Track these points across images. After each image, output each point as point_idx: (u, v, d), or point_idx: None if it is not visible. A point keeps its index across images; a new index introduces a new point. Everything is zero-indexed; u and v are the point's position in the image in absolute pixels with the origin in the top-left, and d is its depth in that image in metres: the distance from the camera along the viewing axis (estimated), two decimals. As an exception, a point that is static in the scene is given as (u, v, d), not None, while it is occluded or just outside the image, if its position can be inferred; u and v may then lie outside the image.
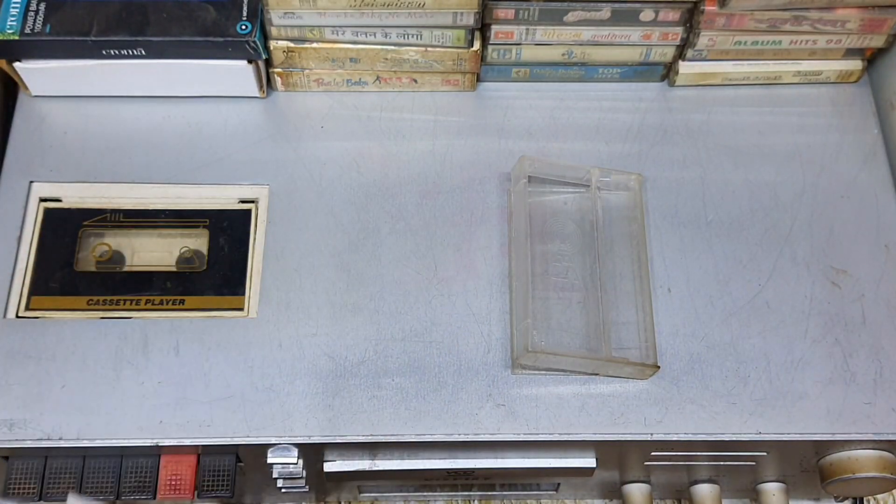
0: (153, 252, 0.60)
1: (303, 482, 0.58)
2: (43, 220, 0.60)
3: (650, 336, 0.56)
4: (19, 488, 0.53)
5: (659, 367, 0.55)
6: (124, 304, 0.57)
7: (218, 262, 0.59)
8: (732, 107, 0.65)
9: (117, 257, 0.59)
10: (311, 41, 0.61)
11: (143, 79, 0.62)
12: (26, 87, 0.63)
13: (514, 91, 0.65)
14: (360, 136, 0.63)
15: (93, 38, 0.59)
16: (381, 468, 0.57)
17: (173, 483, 0.54)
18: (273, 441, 0.54)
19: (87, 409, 0.54)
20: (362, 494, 0.66)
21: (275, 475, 0.56)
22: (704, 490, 0.63)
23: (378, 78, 0.64)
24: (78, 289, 0.58)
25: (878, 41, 0.63)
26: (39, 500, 0.54)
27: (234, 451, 0.54)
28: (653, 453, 0.57)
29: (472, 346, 0.56)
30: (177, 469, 0.54)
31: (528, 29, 0.61)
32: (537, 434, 0.54)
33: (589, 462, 0.57)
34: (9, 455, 0.54)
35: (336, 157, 0.62)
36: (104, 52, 0.60)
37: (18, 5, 0.59)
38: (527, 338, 0.54)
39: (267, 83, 0.64)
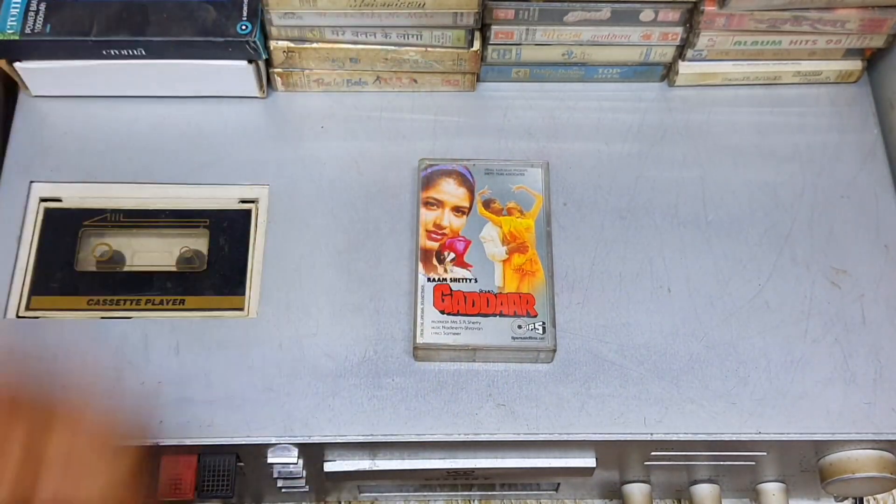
0: (153, 252, 0.60)
1: (303, 482, 0.58)
2: (43, 220, 0.60)
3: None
4: (19, 488, 0.53)
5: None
6: (124, 304, 0.57)
7: (218, 262, 0.59)
8: (732, 107, 0.65)
9: (117, 257, 0.59)
10: (311, 41, 0.61)
11: (144, 79, 0.62)
12: (26, 87, 0.63)
13: (514, 91, 0.65)
14: (360, 136, 0.63)
15: (93, 39, 0.59)
16: (381, 468, 0.57)
17: (173, 483, 0.54)
18: (273, 441, 0.54)
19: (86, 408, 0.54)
20: (362, 494, 0.66)
21: (275, 475, 0.56)
22: (704, 490, 0.63)
23: (378, 78, 0.64)
24: (78, 289, 0.58)
25: (877, 41, 0.63)
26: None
27: (234, 451, 0.54)
28: (653, 453, 0.57)
29: (472, 346, 0.56)
30: (177, 469, 0.54)
31: (528, 29, 0.61)
32: (537, 434, 0.54)
33: (589, 462, 0.57)
34: (9, 455, 0.54)
35: (336, 157, 0.62)
36: (104, 53, 0.60)
37: (19, 5, 0.59)
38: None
39: (267, 83, 0.64)
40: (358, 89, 0.65)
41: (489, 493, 0.68)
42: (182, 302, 0.57)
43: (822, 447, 0.56)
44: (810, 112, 0.65)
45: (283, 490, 0.60)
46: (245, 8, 0.59)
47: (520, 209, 0.59)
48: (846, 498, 0.63)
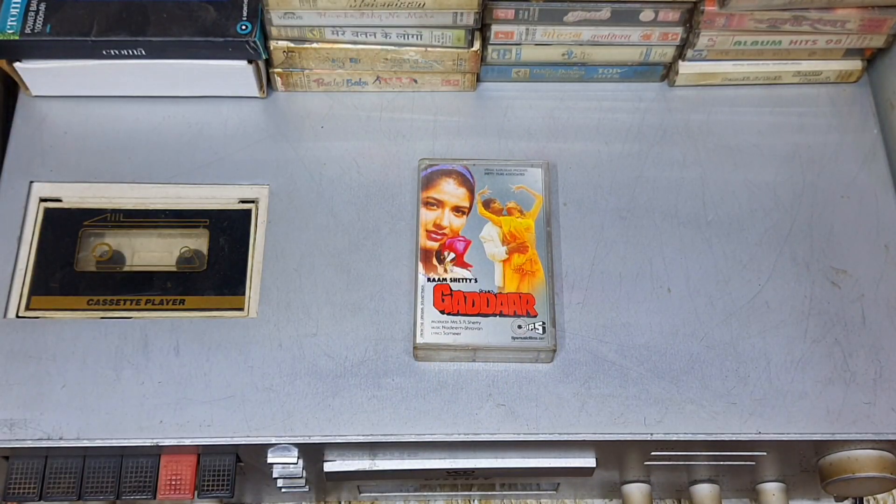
0: (153, 252, 0.60)
1: (303, 482, 0.58)
2: (43, 220, 0.60)
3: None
4: (20, 488, 0.53)
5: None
6: (124, 304, 0.57)
7: (218, 262, 0.59)
8: (732, 107, 0.65)
9: (117, 257, 0.59)
10: (311, 41, 0.61)
11: (143, 79, 0.62)
12: (26, 87, 0.63)
13: (514, 91, 0.65)
14: (360, 136, 0.63)
15: (93, 38, 0.59)
16: (381, 468, 0.57)
17: (173, 483, 0.54)
18: (273, 441, 0.54)
19: (87, 408, 0.54)
20: (362, 494, 0.67)
21: (275, 475, 0.56)
22: (704, 490, 0.63)
23: (378, 78, 0.64)
24: (78, 289, 0.58)
25: (877, 41, 0.63)
26: (40, 499, 0.54)
27: (234, 451, 0.54)
28: (653, 453, 0.57)
29: (472, 346, 0.56)
30: (177, 469, 0.54)
31: (528, 29, 0.61)
32: (537, 434, 0.54)
33: (589, 462, 0.57)
34: (9, 455, 0.54)
35: (336, 157, 0.62)
36: (104, 52, 0.60)
37: (18, 5, 0.59)
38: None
39: (267, 83, 0.64)
40: (358, 89, 0.65)
41: (489, 493, 0.68)
42: (182, 302, 0.57)
43: (822, 447, 0.56)
44: (810, 112, 0.65)
45: (283, 490, 0.60)
46: (245, 8, 0.59)
47: (520, 209, 0.59)
48: (846, 498, 0.63)
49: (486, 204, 0.59)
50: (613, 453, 0.57)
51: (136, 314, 0.57)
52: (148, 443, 0.53)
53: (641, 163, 0.63)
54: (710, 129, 0.64)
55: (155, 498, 0.54)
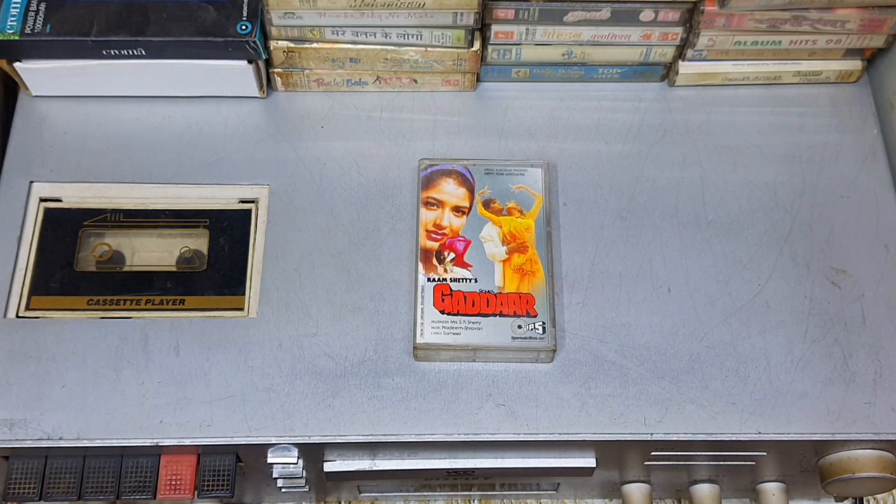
0: (153, 252, 0.60)
1: (303, 482, 0.58)
2: (43, 220, 0.60)
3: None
4: (20, 488, 0.53)
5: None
6: (124, 304, 0.57)
7: (218, 262, 0.59)
8: (732, 107, 0.65)
9: (117, 257, 0.59)
10: (311, 41, 0.61)
11: (144, 79, 0.62)
12: (26, 87, 0.63)
13: (514, 91, 0.65)
14: (360, 136, 0.63)
15: (93, 38, 0.59)
16: (381, 468, 0.57)
17: (173, 483, 0.54)
18: (273, 441, 0.54)
19: (87, 408, 0.54)
20: (362, 494, 0.66)
21: (275, 475, 0.56)
22: (704, 490, 0.63)
23: (378, 78, 0.64)
24: (78, 289, 0.58)
25: (877, 41, 0.63)
26: (40, 499, 0.54)
27: (234, 451, 0.54)
28: (653, 453, 0.57)
29: (472, 346, 0.56)
30: (177, 469, 0.54)
31: (528, 29, 0.61)
32: (537, 434, 0.54)
33: (589, 462, 0.57)
34: (9, 455, 0.54)
35: (336, 157, 0.62)
36: (104, 52, 0.60)
37: (18, 5, 0.59)
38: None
39: (267, 83, 0.64)
40: (358, 89, 0.65)
41: (489, 493, 0.68)
42: (182, 302, 0.57)
43: (822, 447, 0.56)
44: (810, 112, 0.65)
45: (283, 490, 0.60)
46: (245, 8, 0.59)
47: (520, 209, 0.59)
48: (846, 498, 0.63)
49: (486, 204, 0.59)
50: (613, 453, 0.57)
51: (136, 314, 0.57)
52: (148, 443, 0.53)
53: (641, 163, 0.63)
54: (710, 129, 0.64)
55: (155, 498, 0.54)
